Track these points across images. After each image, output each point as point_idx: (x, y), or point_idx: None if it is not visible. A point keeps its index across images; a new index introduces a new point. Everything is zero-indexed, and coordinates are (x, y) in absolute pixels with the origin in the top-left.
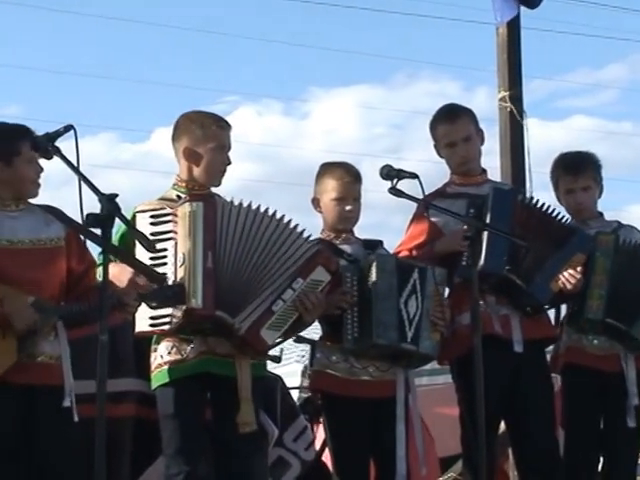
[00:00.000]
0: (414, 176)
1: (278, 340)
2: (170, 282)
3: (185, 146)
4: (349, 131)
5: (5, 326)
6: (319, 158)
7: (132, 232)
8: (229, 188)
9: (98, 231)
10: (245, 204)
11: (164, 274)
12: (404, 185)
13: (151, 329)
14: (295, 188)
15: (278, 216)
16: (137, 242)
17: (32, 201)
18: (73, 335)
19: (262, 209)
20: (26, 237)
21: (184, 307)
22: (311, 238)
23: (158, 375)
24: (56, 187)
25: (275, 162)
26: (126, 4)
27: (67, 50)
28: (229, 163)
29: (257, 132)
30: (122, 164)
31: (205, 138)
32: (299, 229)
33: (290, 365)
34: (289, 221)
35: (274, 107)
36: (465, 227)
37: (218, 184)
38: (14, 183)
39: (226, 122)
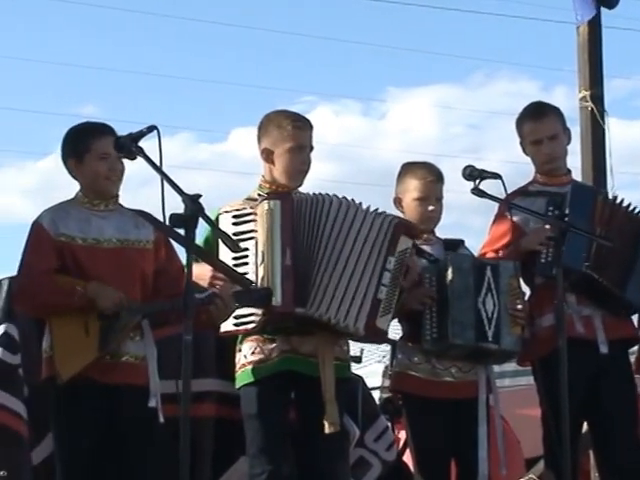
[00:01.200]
0: (497, 176)
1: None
2: (252, 282)
3: (264, 147)
4: (426, 131)
5: (90, 311)
6: (396, 158)
7: (216, 232)
8: (307, 188)
9: (181, 231)
10: (316, 193)
11: (245, 273)
12: (483, 184)
13: (235, 328)
14: (373, 188)
15: (349, 198)
16: (221, 243)
17: (124, 204)
18: (155, 335)
19: (330, 195)
20: (114, 236)
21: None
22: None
23: (242, 375)
24: (134, 188)
25: (352, 162)
26: (204, 4)
27: (144, 50)
28: (309, 163)
29: (334, 132)
30: (199, 164)
31: (281, 138)
32: (366, 206)
33: (371, 365)
34: (360, 203)
35: (352, 107)
36: (547, 226)
37: (299, 184)
38: (88, 180)
39: (304, 122)
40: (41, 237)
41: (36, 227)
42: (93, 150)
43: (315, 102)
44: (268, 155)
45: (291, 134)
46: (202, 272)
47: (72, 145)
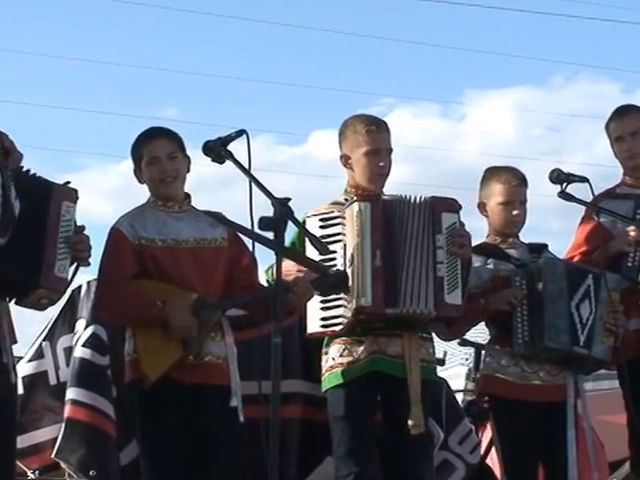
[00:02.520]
0: (584, 180)
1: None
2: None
3: (343, 152)
4: (505, 133)
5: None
6: (475, 160)
7: (306, 235)
8: (386, 191)
9: (270, 234)
10: (408, 198)
11: (327, 266)
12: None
13: (323, 330)
14: (451, 191)
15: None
16: (308, 247)
17: (208, 204)
18: (238, 337)
19: (412, 198)
20: (190, 236)
21: (354, 306)
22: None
23: (329, 377)
24: (212, 190)
25: (431, 164)
26: (283, 8)
27: (225, 54)
28: (388, 166)
29: (413, 134)
30: (279, 166)
31: (357, 143)
32: (408, 195)
33: (454, 368)
34: (401, 195)
35: (431, 109)
36: (634, 229)
37: (380, 187)
38: (148, 185)
39: (379, 125)
40: (120, 242)
41: (114, 232)
42: (145, 156)
43: (394, 104)
44: (347, 160)
45: (365, 138)
46: (286, 268)
47: (132, 153)
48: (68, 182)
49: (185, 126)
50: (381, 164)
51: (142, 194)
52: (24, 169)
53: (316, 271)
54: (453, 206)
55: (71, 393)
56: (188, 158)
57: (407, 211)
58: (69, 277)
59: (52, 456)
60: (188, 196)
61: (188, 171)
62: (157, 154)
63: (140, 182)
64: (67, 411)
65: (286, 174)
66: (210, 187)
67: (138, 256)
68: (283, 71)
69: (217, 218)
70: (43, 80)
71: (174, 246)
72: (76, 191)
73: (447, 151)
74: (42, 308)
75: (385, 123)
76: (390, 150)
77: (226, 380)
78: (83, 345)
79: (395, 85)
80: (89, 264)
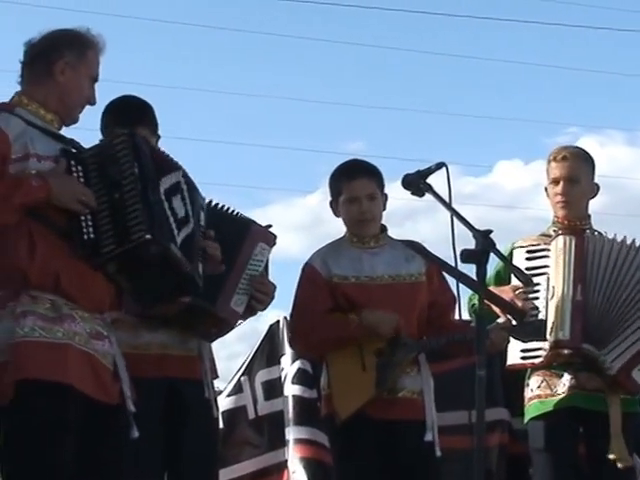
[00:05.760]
0: None
1: None
2: (540, 315)
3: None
4: None
5: (367, 342)
6: None
7: (509, 267)
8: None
9: (472, 267)
10: (618, 239)
11: (535, 307)
12: None
13: (522, 362)
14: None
15: (627, 241)
16: (513, 277)
17: (394, 236)
18: (445, 367)
19: (633, 243)
20: (385, 273)
21: (552, 339)
22: None
23: (529, 408)
24: (398, 223)
25: (619, 193)
26: (464, 38)
27: (408, 87)
28: (566, 194)
29: (600, 163)
30: (465, 197)
31: (547, 173)
32: None
33: None
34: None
35: (616, 137)
36: None
37: (566, 216)
38: (344, 221)
39: (557, 155)
40: (314, 278)
41: (308, 269)
42: (344, 193)
43: (579, 133)
44: (546, 191)
45: (550, 167)
46: (501, 291)
47: (330, 186)
48: (270, 226)
49: (370, 160)
50: (557, 193)
51: (328, 228)
52: (224, 207)
53: (514, 315)
54: None
55: (292, 432)
56: (385, 195)
57: (624, 253)
58: (242, 312)
59: None
60: (384, 229)
61: (384, 209)
62: (357, 194)
63: (335, 215)
64: (296, 451)
65: (472, 205)
66: (395, 220)
67: (332, 293)
68: (467, 103)
69: (415, 249)
70: (231, 118)
71: (368, 283)
72: (275, 237)
73: (635, 180)
74: (209, 339)
75: (571, 153)
76: (572, 179)
77: (420, 414)
78: (292, 382)
79: (579, 114)
80: (263, 309)
